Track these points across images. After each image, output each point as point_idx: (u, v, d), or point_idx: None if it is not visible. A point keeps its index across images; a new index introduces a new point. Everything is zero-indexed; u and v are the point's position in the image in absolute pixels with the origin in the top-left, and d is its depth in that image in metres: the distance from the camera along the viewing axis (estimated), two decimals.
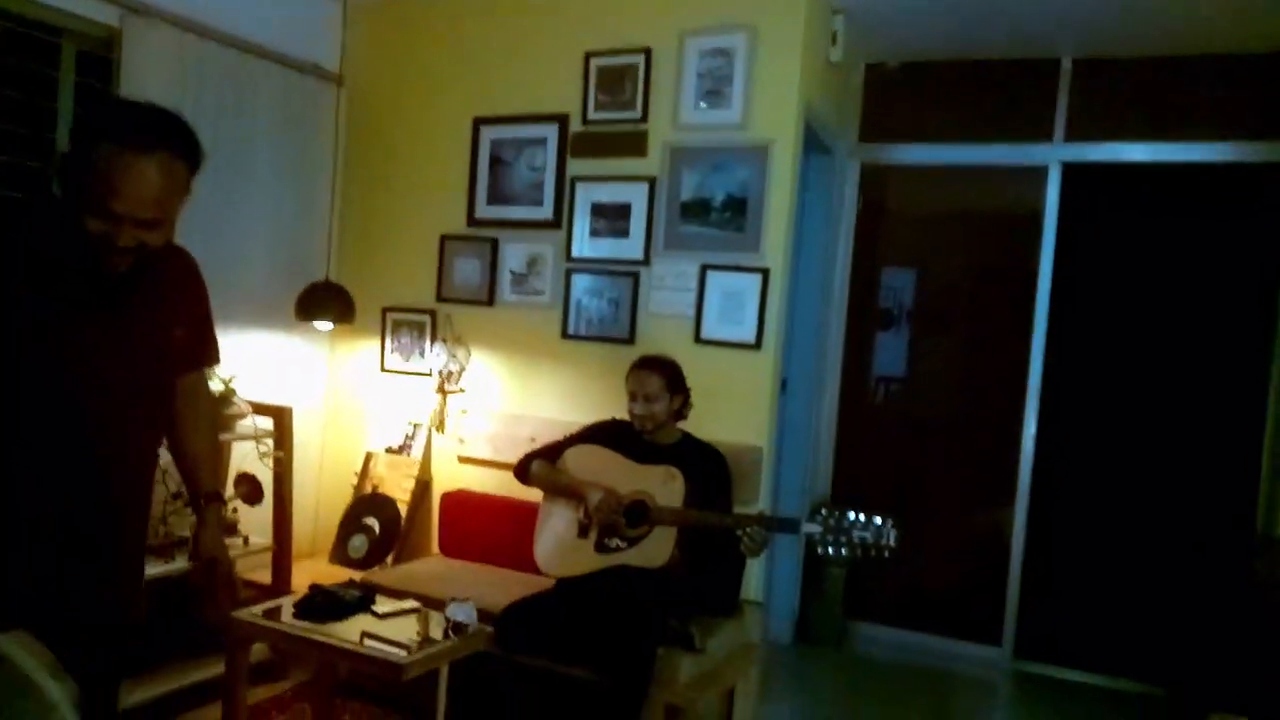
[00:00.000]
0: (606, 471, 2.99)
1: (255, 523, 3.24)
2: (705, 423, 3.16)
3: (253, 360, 3.52)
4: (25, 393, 1.48)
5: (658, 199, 3.49)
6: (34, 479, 1.50)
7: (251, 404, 3.16)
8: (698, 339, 3.42)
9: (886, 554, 2.65)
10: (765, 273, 3.32)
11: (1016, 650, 4.08)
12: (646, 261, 3.51)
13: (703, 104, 3.42)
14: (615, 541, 2.91)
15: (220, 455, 2.66)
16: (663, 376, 3.00)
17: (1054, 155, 3.99)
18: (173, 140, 1.51)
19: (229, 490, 3.08)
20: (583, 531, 2.97)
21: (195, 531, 1.83)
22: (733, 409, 3.34)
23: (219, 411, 2.89)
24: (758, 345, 3.35)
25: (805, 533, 2.71)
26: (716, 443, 3.11)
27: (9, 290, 1.47)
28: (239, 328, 3.57)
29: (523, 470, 3.16)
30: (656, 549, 2.84)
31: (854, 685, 3.84)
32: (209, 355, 1.88)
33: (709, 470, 3.01)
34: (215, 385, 3.01)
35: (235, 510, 3.15)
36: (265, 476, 3.18)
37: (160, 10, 3.18)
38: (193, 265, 1.78)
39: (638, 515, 2.90)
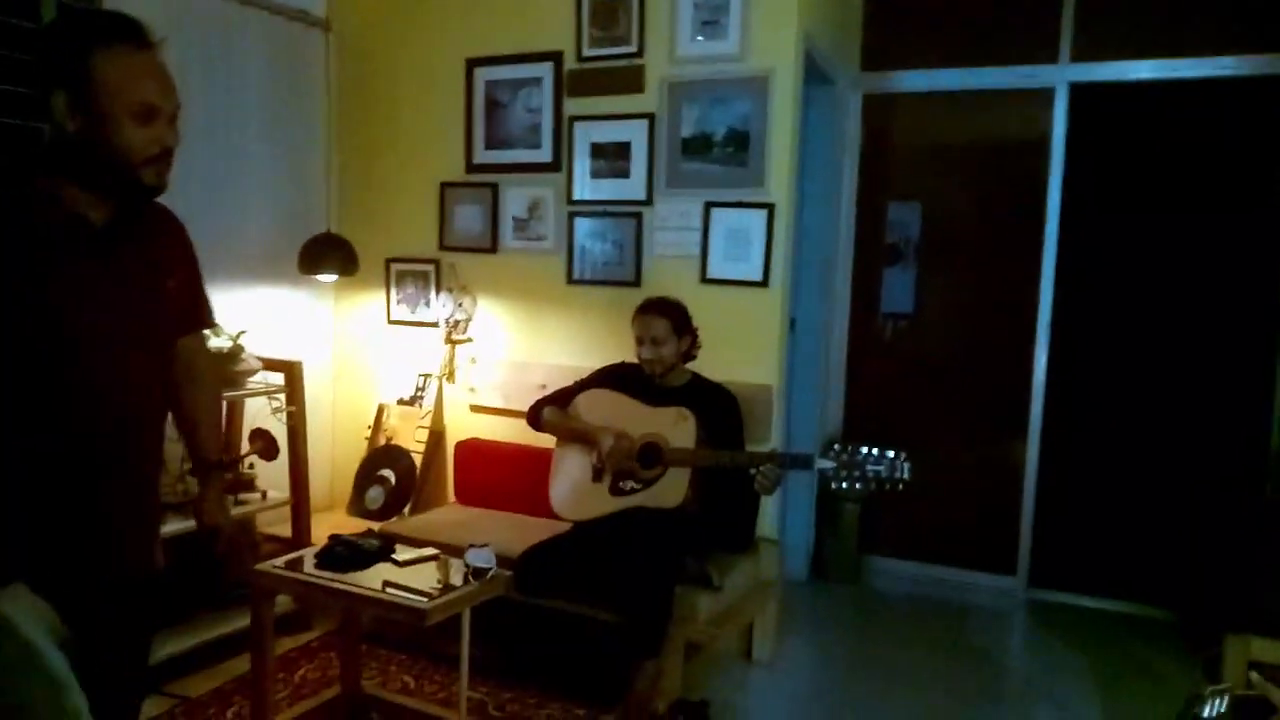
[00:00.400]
0: (618, 415, 2.99)
1: (272, 477, 3.25)
2: (715, 363, 3.15)
3: (260, 315, 3.51)
4: (24, 349, 1.44)
5: (658, 136, 3.42)
6: (39, 432, 1.46)
7: (261, 359, 3.15)
8: (704, 279, 3.39)
9: (900, 487, 2.67)
10: (770, 208, 3.28)
11: (1031, 579, 4.11)
12: (649, 201, 3.46)
13: (699, 35, 3.33)
14: (630, 484, 2.92)
15: (220, 422, 2.65)
16: (668, 319, 2.98)
17: (1061, 76, 3.90)
18: (149, 33, 1.49)
19: (244, 446, 3.09)
20: (597, 475, 2.99)
21: (196, 500, 1.82)
22: (743, 349, 3.33)
23: (220, 377, 2.86)
24: (765, 283, 3.31)
25: (819, 469, 2.73)
26: (727, 383, 3.10)
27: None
28: (244, 283, 3.55)
29: (535, 417, 3.17)
30: (670, 490, 2.86)
31: (870, 619, 3.89)
32: (203, 314, 1.79)
33: (720, 410, 3.00)
34: (224, 342, 3.00)
35: (252, 466, 3.16)
36: (279, 432, 3.18)
37: None
38: (176, 219, 1.70)
39: (651, 457, 2.90)
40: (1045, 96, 3.93)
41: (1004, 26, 4.03)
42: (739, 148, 3.31)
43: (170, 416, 1.74)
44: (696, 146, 3.37)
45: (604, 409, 3.04)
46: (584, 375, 3.23)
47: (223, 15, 3.43)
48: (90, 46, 1.41)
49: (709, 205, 3.36)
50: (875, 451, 2.68)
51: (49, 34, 1.52)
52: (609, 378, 3.15)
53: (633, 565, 2.69)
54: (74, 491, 1.49)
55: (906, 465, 2.66)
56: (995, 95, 4.10)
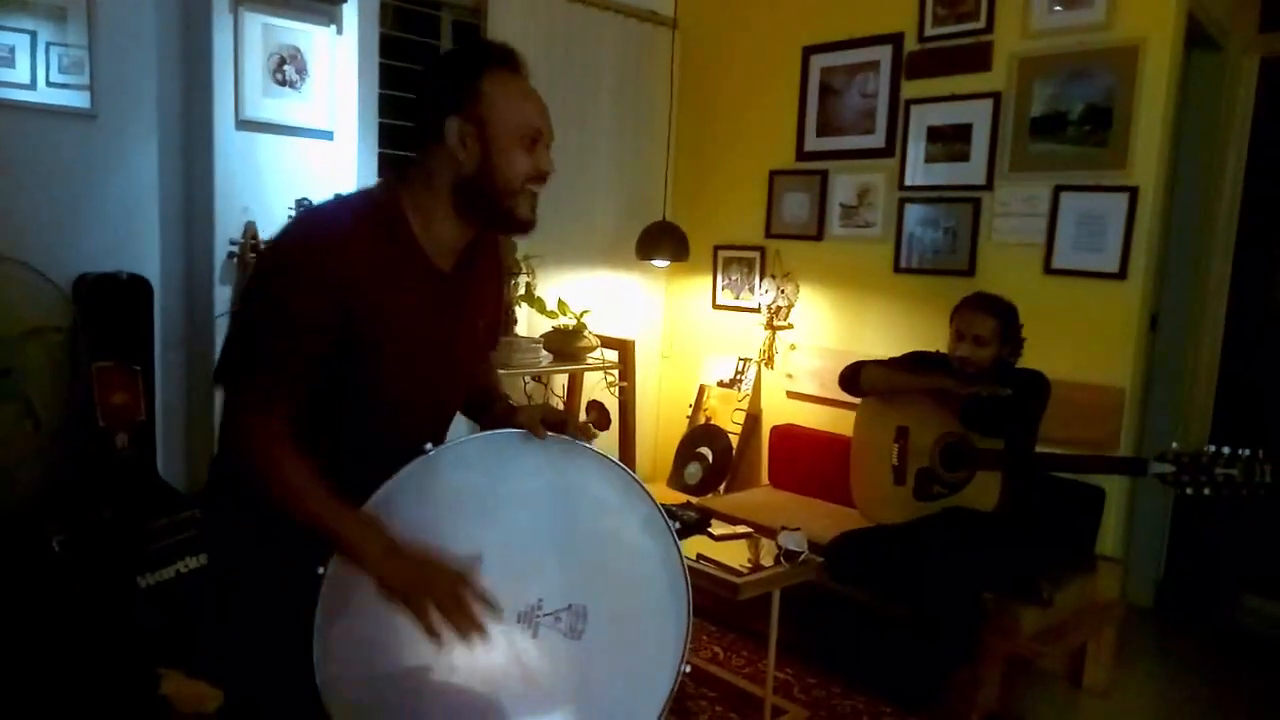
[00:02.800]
0: (917, 411, 2.85)
1: (603, 448, 3.52)
2: (1058, 362, 2.91)
3: (600, 297, 3.81)
4: (370, 405, 1.38)
5: (1003, 117, 3.20)
6: (358, 473, 1.34)
7: (600, 337, 3.41)
8: (1048, 269, 3.13)
9: (1262, 493, 2.28)
10: (1133, 192, 2.94)
11: None
12: (989, 186, 3.26)
13: (1057, 6, 3.06)
14: (937, 488, 2.78)
15: None
16: (997, 319, 2.74)
17: None
18: (523, 61, 1.44)
19: (581, 415, 3.39)
20: (899, 478, 2.87)
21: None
22: (1090, 346, 3.03)
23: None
24: (1122, 275, 2.99)
25: (1154, 473, 2.40)
26: (1071, 383, 2.85)
27: (368, 318, 1.32)
28: (589, 267, 3.88)
29: (853, 378, 3.01)
30: (983, 492, 2.69)
31: (1228, 663, 3.37)
32: (494, 346, 1.76)
33: (1023, 392, 2.71)
34: (569, 320, 3.30)
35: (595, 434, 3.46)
36: (612, 405, 3.45)
37: None
38: (499, 248, 1.64)
39: (955, 458, 2.73)
40: None
41: None
42: (1098, 126, 3.00)
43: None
44: (1047, 126, 3.11)
45: (897, 405, 2.92)
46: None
47: (583, 20, 3.74)
48: (481, 70, 1.38)
49: (1058, 189, 3.09)
50: (1226, 450, 2.33)
51: (443, 61, 1.48)
52: (911, 365, 2.98)
53: (939, 568, 2.57)
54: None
55: (1269, 468, 2.27)
56: None
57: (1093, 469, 2.88)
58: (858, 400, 3.12)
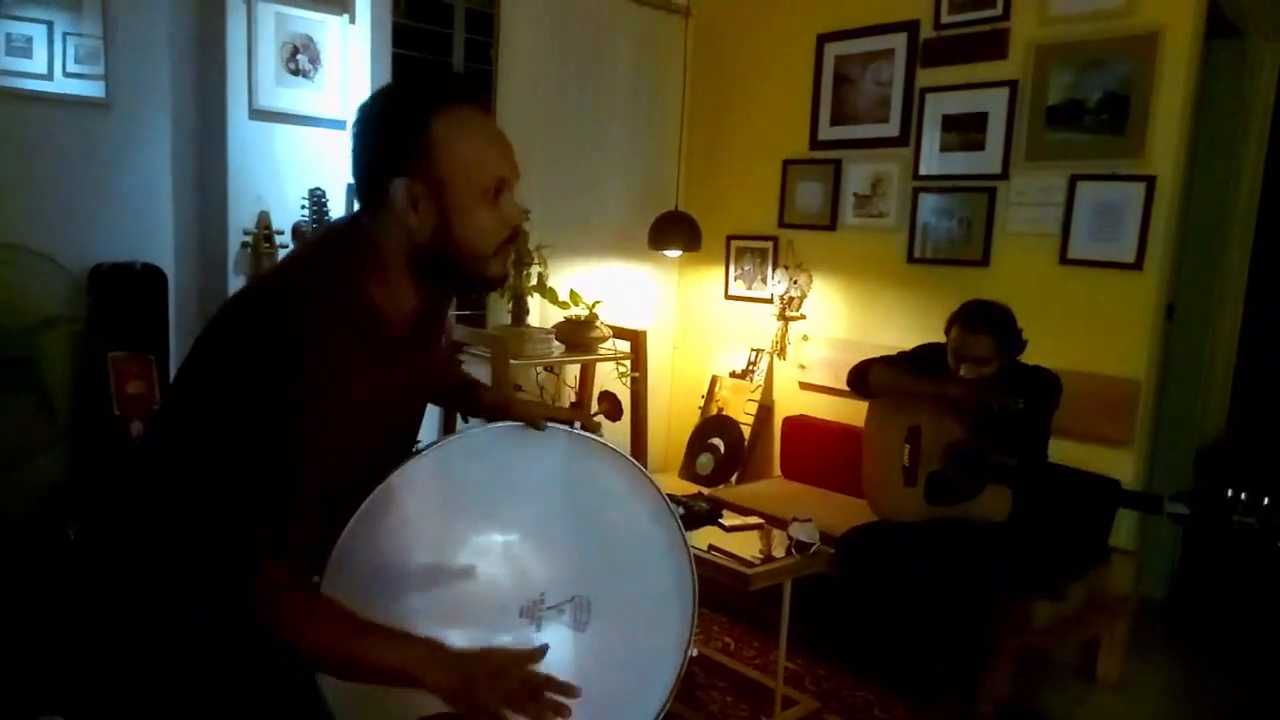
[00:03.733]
0: (926, 412, 2.82)
1: (614, 438, 3.52)
2: (1072, 352, 2.89)
3: (612, 287, 3.81)
4: (338, 477, 1.20)
5: (1019, 105, 3.18)
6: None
7: (611, 327, 3.41)
8: (1064, 259, 3.10)
9: None
10: (1151, 181, 2.91)
11: None
12: (1005, 175, 3.23)
13: None
14: (947, 495, 2.75)
15: None
16: (993, 337, 2.67)
17: None
18: (480, 91, 1.25)
19: (593, 405, 3.39)
20: (909, 479, 2.85)
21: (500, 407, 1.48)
22: (1105, 338, 3.01)
23: None
24: (1139, 265, 2.96)
25: (1169, 513, 2.34)
26: (1085, 375, 2.83)
27: (342, 421, 1.16)
28: (600, 257, 3.87)
29: (861, 377, 2.96)
30: (995, 504, 2.66)
31: (1243, 657, 3.35)
32: (453, 356, 1.66)
33: (1033, 394, 2.66)
34: (580, 311, 3.30)
35: (599, 425, 3.46)
36: (624, 395, 3.45)
37: None
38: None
39: (965, 464, 2.70)
40: None
41: None
42: (1115, 114, 2.97)
43: None
44: (1064, 115, 3.08)
45: (910, 404, 2.89)
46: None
47: (596, 8, 3.73)
48: (428, 115, 1.15)
49: (1074, 179, 3.06)
50: (1244, 497, 2.19)
51: (380, 104, 1.20)
52: (923, 361, 2.93)
53: (952, 579, 2.54)
54: None
55: None
56: None
57: (1105, 501, 2.84)
58: None
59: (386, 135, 1.17)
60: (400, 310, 1.23)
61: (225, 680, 1.22)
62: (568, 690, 1.13)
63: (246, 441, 1.10)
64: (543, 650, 1.17)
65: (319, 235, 1.37)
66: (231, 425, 1.11)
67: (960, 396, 2.69)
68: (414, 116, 1.15)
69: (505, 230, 1.22)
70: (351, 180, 1.23)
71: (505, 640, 1.30)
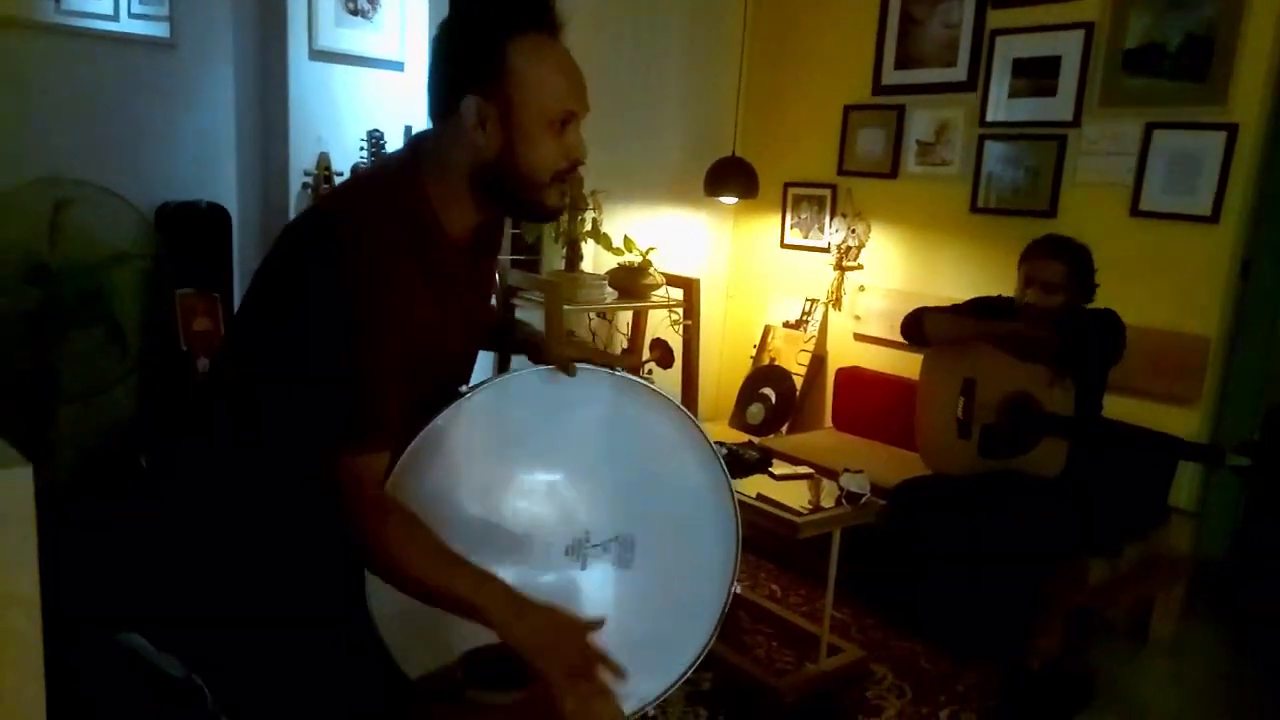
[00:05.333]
0: (984, 363, 2.77)
1: (665, 385, 3.54)
2: (1140, 306, 2.80)
3: (666, 234, 3.78)
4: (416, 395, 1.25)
5: (1095, 49, 3.04)
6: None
7: (665, 275, 3.40)
8: (1135, 211, 3.00)
9: None
10: (1232, 129, 2.78)
11: None
12: (1076, 123, 3.11)
13: None
14: (1001, 449, 2.70)
15: None
16: (1068, 264, 2.59)
17: None
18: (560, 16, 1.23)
19: (645, 353, 3.39)
20: (963, 432, 2.81)
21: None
22: (1175, 292, 2.91)
23: None
24: (1214, 218, 2.85)
25: (1232, 465, 2.28)
26: (1152, 330, 2.74)
27: (419, 336, 1.20)
28: (654, 203, 3.85)
29: (915, 326, 2.89)
30: (1048, 457, 2.61)
31: None
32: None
33: (1091, 333, 2.58)
34: (634, 257, 3.29)
35: (650, 372, 3.47)
36: (675, 343, 3.45)
37: None
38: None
39: (1021, 417, 2.64)
40: None
41: None
42: (1197, 58, 2.83)
43: None
44: (1142, 59, 2.94)
45: (965, 355, 2.84)
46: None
47: None
48: (506, 37, 1.17)
49: (1150, 126, 2.94)
50: None
51: (461, 20, 1.22)
52: (976, 313, 2.86)
53: (1004, 536, 2.51)
54: None
55: None
56: None
57: (1163, 451, 2.76)
58: None
59: (464, 52, 1.19)
60: (458, 225, 1.26)
61: (284, 604, 1.27)
62: (617, 671, 1.14)
63: (322, 357, 1.13)
64: (602, 621, 1.19)
65: (380, 159, 1.42)
66: (304, 341, 1.14)
67: (1020, 331, 2.61)
68: (493, 37, 1.17)
69: (565, 162, 1.23)
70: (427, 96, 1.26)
71: (550, 579, 1.33)
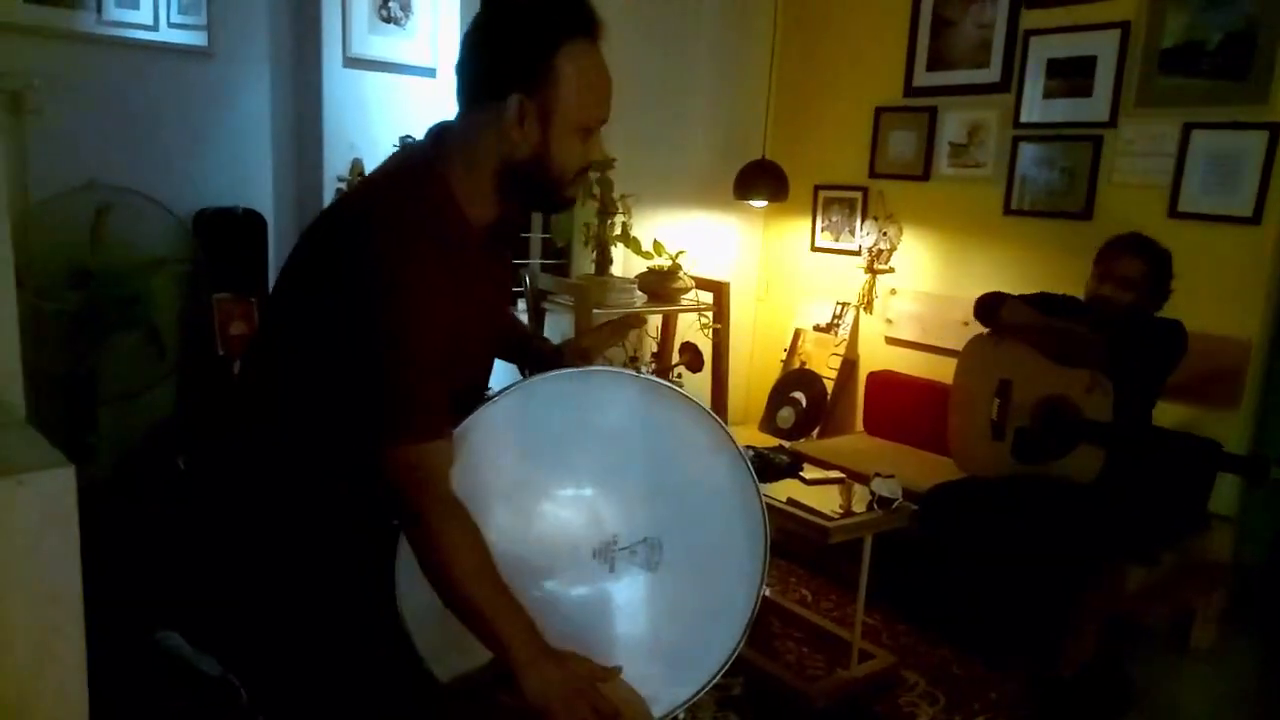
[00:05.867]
0: (1021, 365, 2.73)
1: (694, 389, 3.53)
2: (1179, 309, 2.74)
3: (696, 237, 3.78)
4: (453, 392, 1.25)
5: (1131, 48, 3.00)
6: None
7: (694, 278, 3.40)
8: (1173, 212, 2.94)
9: None
10: (1274, 129, 2.73)
11: None
12: (1112, 123, 3.07)
13: None
14: (1035, 453, 2.66)
15: None
16: (1148, 263, 2.57)
17: None
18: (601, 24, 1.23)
19: (674, 356, 3.39)
20: (997, 434, 2.77)
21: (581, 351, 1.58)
22: (1215, 294, 2.85)
23: None
24: (1256, 220, 2.79)
25: (1278, 478, 2.24)
26: (1191, 333, 2.68)
27: (453, 330, 1.21)
28: (684, 206, 3.85)
29: (993, 307, 2.82)
30: (1083, 462, 2.57)
31: None
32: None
33: (1147, 341, 2.55)
34: (663, 261, 3.29)
35: (680, 375, 3.46)
36: (705, 346, 3.44)
37: None
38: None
39: (1055, 421, 2.60)
40: None
41: None
42: (1237, 56, 2.78)
43: None
44: (1180, 58, 2.90)
45: (1002, 356, 2.80)
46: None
47: None
48: (559, 41, 1.18)
49: (1188, 127, 2.89)
50: None
51: (517, 19, 1.21)
52: (1041, 304, 2.82)
53: (1037, 542, 2.48)
54: None
55: None
56: None
57: (1203, 463, 2.71)
58: (960, 347, 3.03)
59: (514, 50, 1.20)
60: (481, 218, 1.28)
61: (316, 604, 1.29)
62: None
63: (364, 352, 1.15)
64: (618, 670, 1.24)
65: (402, 151, 1.42)
66: (345, 339, 1.16)
67: (1073, 334, 2.59)
68: (546, 39, 1.18)
69: (585, 163, 1.28)
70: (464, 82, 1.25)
71: (581, 592, 1.33)
